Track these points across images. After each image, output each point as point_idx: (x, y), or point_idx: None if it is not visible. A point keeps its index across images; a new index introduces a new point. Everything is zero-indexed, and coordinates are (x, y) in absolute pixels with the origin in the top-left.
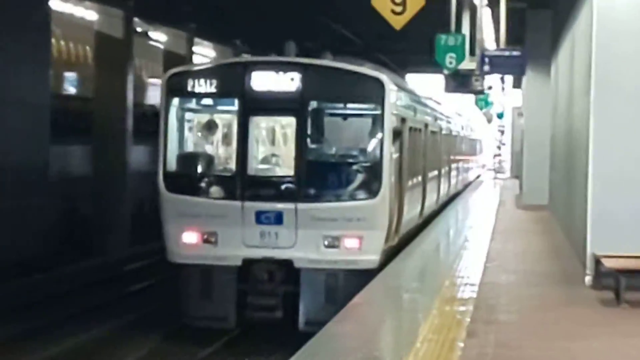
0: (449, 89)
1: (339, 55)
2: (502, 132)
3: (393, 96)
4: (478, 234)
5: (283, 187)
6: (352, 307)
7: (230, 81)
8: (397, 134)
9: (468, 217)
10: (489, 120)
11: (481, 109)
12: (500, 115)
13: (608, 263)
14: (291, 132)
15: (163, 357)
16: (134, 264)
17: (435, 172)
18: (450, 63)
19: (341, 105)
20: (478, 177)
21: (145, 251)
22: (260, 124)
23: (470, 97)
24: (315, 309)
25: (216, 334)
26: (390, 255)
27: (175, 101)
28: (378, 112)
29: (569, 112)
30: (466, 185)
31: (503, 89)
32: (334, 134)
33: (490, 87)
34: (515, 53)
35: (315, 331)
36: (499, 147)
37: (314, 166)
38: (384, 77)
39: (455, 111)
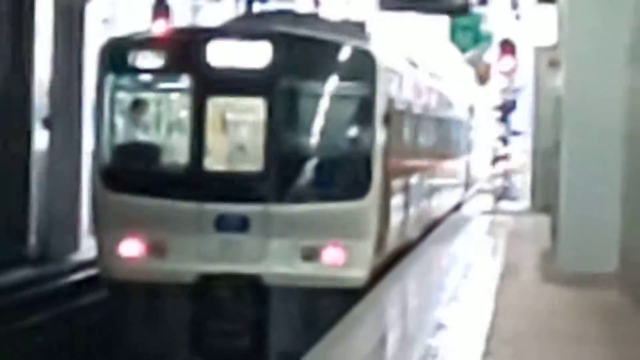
0: (391, 3)
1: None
2: (511, 108)
3: (385, 75)
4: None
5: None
6: None
7: (183, 54)
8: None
9: (429, 306)
10: (483, 79)
11: (464, 50)
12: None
13: None
14: (260, 117)
15: None
16: None
17: None
18: None
19: (322, 84)
20: (457, 207)
21: None
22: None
23: (441, 23)
24: (289, 337)
25: None
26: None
27: (113, 78)
28: (368, 93)
29: None
30: (428, 228)
31: (515, 4)
32: (313, 120)
33: (485, 0)
34: None
35: None
36: (504, 141)
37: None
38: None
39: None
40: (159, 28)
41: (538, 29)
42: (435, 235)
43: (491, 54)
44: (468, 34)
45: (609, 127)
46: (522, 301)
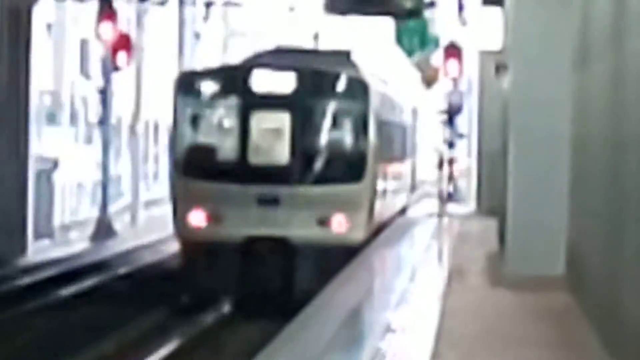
0: (337, 4)
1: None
2: (457, 111)
3: (374, 95)
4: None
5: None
6: None
7: (233, 81)
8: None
9: (377, 309)
10: (430, 83)
11: (411, 53)
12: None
13: None
14: (286, 126)
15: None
16: None
17: None
18: None
19: (330, 103)
20: (403, 211)
21: None
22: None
23: (387, 27)
24: (308, 280)
25: None
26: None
27: (184, 99)
28: (363, 109)
29: (618, 66)
30: (393, 216)
31: (461, 7)
32: (324, 128)
33: (433, 4)
34: None
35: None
36: (450, 145)
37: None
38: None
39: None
40: (106, 32)
41: (484, 32)
42: (383, 238)
43: (438, 58)
44: (414, 38)
45: (556, 131)
46: (470, 304)
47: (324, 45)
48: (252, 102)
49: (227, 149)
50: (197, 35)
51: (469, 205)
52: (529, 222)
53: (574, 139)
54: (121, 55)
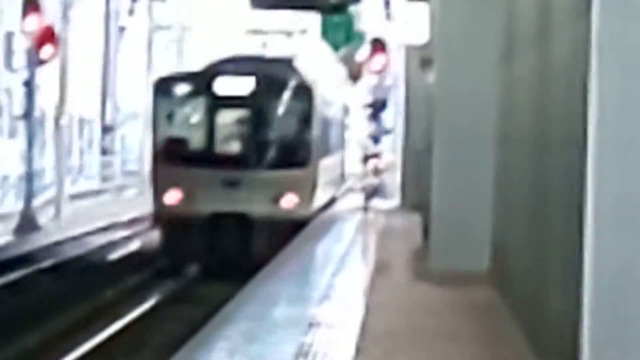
0: (264, 0)
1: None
2: (382, 106)
3: (317, 96)
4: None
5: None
6: None
7: (201, 85)
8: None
9: (301, 304)
10: (355, 77)
11: (336, 47)
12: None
13: None
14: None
15: None
16: None
17: None
18: None
19: (282, 102)
20: (332, 202)
21: None
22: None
23: (313, 23)
24: (263, 248)
25: None
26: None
27: (160, 100)
28: (308, 107)
29: (541, 62)
30: (328, 202)
31: (387, 2)
32: (277, 123)
33: None
34: None
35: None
36: (374, 140)
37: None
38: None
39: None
40: (31, 24)
41: (410, 27)
42: (307, 232)
43: (363, 52)
44: (340, 33)
45: (481, 127)
46: (394, 299)
47: (253, 38)
48: (216, 102)
49: (197, 140)
50: (122, 29)
51: (394, 200)
52: (453, 217)
53: (498, 135)
54: (46, 48)
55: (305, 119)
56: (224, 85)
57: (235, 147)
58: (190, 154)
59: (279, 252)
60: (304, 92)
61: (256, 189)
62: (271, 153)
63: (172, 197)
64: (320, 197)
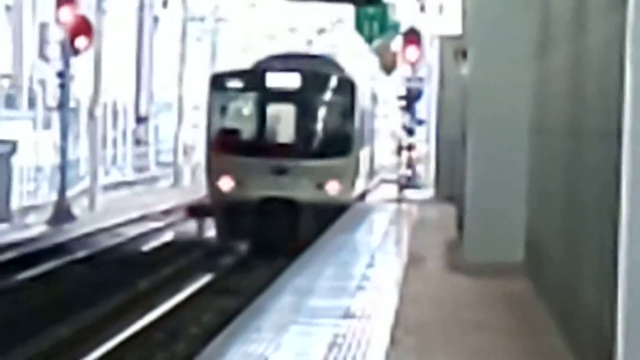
0: None
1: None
2: (416, 97)
3: (358, 91)
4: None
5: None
6: None
7: (253, 80)
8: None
9: (335, 294)
10: (389, 69)
11: (370, 39)
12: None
13: None
14: (292, 114)
15: None
16: None
17: None
18: None
19: (327, 97)
20: (362, 197)
21: None
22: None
23: (347, 14)
24: (309, 230)
25: None
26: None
27: (215, 93)
28: (351, 101)
29: (576, 52)
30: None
31: None
32: (322, 116)
33: None
34: None
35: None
36: (409, 131)
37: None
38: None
39: None
40: (65, 15)
41: (444, 18)
42: (341, 223)
43: (398, 44)
44: (374, 24)
45: (515, 117)
46: (428, 290)
47: (290, 33)
48: (266, 96)
49: (248, 131)
50: (156, 19)
51: (428, 192)
52: (487, 208)
53: (532, 126)
54: (80, 39)
55: (348, 112)
56: (274, 81)
57: (283, 137)
58: (242, 144)
59: (322, 234)
60: (347, 86)
61: (302, 176)
62: (316, 143)
63: (226, 183)
64: (360, 184)
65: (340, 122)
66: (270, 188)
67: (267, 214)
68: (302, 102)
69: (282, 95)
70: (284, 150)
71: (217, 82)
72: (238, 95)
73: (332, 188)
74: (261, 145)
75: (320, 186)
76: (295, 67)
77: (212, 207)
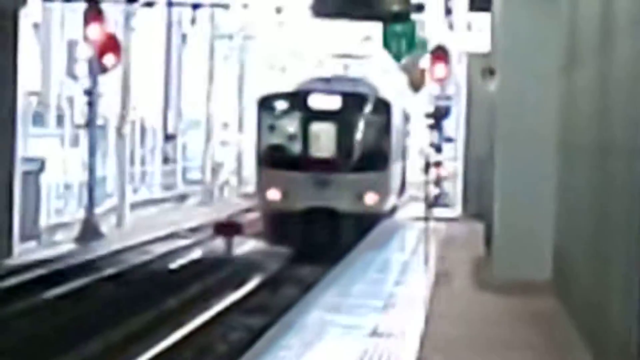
0: (323, 8)
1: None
2: (444, 115)
3: (394, 110)
4: None
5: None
6: None
7: (297, 101)
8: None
9: (363, 312)
10: (417, 87)
11: (398, 57)
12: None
13: None
14: (333, 132)
15: None
16: None
17: None
18: None
19: (365, 115)
20: (392, 211)
21: None
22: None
23: (375, 31)
24: (350, 238)
25: None
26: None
27: (264, 113)
28: (387, 120)
29: (604, 69)
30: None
31: (449, 11)
32: (361, 133)
33: (421, 7)
34: None
35: None
36: (437, 149)
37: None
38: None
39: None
40: (93, 33)
41: (472, 36)
42: (369, 240)
43: (426, 61)
44: (402, 41)
45: (543, 134)
46: (456, 308)
47: (313, 47)
48: (310, 115)
49: (293, 147)
50: (184, 37)
51: (456, 209)
52: (515, 226)
53: (560, 143)
54: (108, 57)
55: (384, 130)
56: (316, 102)
57: (325, 153)
58: (288, 159)
59: (361, 241)
60: (383, 106)
61: (343, 188)
62: (355, 158)
63: (273, 194)
64: (395, 197)
65: (377, 138)
66: (314, 199)
67: (311, 222)
68: (342, 120)
69: (324, 115)
70: (326, 164)
71: (265, 103)
72: (284, 115)
73: (370, 199)
74: (305, 160)
75: (360, 197)
76: (336, 89)
77: (261, 216)
